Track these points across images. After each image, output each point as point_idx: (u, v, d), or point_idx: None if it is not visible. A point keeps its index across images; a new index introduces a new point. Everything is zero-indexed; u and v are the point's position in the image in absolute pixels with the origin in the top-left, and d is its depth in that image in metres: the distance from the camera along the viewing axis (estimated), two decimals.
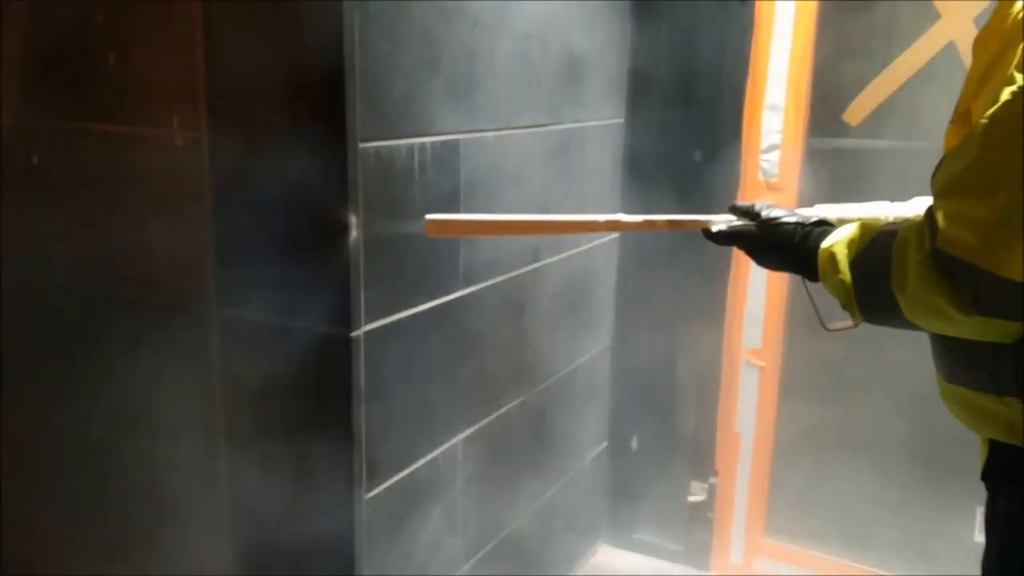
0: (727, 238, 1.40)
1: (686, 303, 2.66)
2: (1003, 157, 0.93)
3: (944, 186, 1.00)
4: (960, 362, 1.11)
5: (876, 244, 1.13)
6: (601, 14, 2.39)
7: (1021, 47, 0.93)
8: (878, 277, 1.10)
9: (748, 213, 1.38)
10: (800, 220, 1.32)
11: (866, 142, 2.34)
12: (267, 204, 1.64)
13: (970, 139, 0.96)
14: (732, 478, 2.68)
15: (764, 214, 1.35)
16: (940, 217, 0.98)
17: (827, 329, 1.33)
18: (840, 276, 1.18)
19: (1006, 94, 0.92)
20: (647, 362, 2.75)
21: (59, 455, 2.04)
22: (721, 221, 1.40)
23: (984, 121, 0.94)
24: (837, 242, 1.20)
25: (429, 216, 1.47)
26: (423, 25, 1.68)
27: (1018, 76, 0.92)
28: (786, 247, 1.31)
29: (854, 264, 1.16)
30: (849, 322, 1.22)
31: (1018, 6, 0.95)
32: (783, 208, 1.37)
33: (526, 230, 1.68)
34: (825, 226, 1.29)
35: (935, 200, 1.00)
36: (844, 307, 1.20)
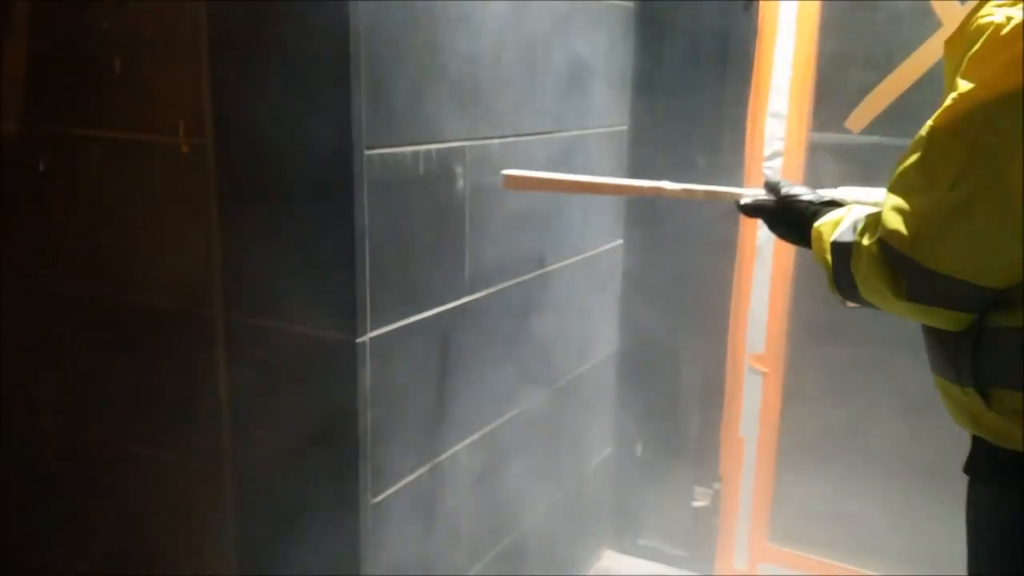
0: (750, 210, 1.54)
1: (690, 309, 2.66)
2: (941, 158, 1.00)
3: (893, 182, 1.08)
4: (934, 351, 1.16)
5: (851, 228, 1.21)
6: (605, 21, 2.40)
7: (967, 56, 0.99)
8: (846, 259, 1.19)
9: (773, 189, 1.49)
10: (813, 199, 1.41)
11: (868, 147, 2.35)
12: (273, 210, 1.65)
13: (918, 140, 1.05)
14: (736, 483, 2.69)
15: (784, 191, 1.46)
16: (885, 209, 1.07)
17: (845, 306, 1.38)
18: (824, 254, 1.26)
19: (948, 99, 1.00)
20: (651, 368, 2.76)
21: (62, 460, 2.05)
22: (749, 195, 1.55)
23: (930, 123, 1.03)
24: (826, 223, 1.29)
25: (506, 171, 1.72)
26: (428, 32, 1.69)
27: (960, 83, 0.99)
28: (797, 223, 1.41)
29: (834, 244, 1.23)
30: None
31: (980, 14, 1.00)
32: (805, 187, 1.47)
33: (582, 189, 1.86)
34: (836, 206, 1.37)
35: (886, 194, 1.09)
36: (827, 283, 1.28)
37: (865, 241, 1.12)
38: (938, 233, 1.01)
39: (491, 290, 2.02)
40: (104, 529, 2.02)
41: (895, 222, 1.04)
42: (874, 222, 1.12)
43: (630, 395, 2.80)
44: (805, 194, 1.43)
